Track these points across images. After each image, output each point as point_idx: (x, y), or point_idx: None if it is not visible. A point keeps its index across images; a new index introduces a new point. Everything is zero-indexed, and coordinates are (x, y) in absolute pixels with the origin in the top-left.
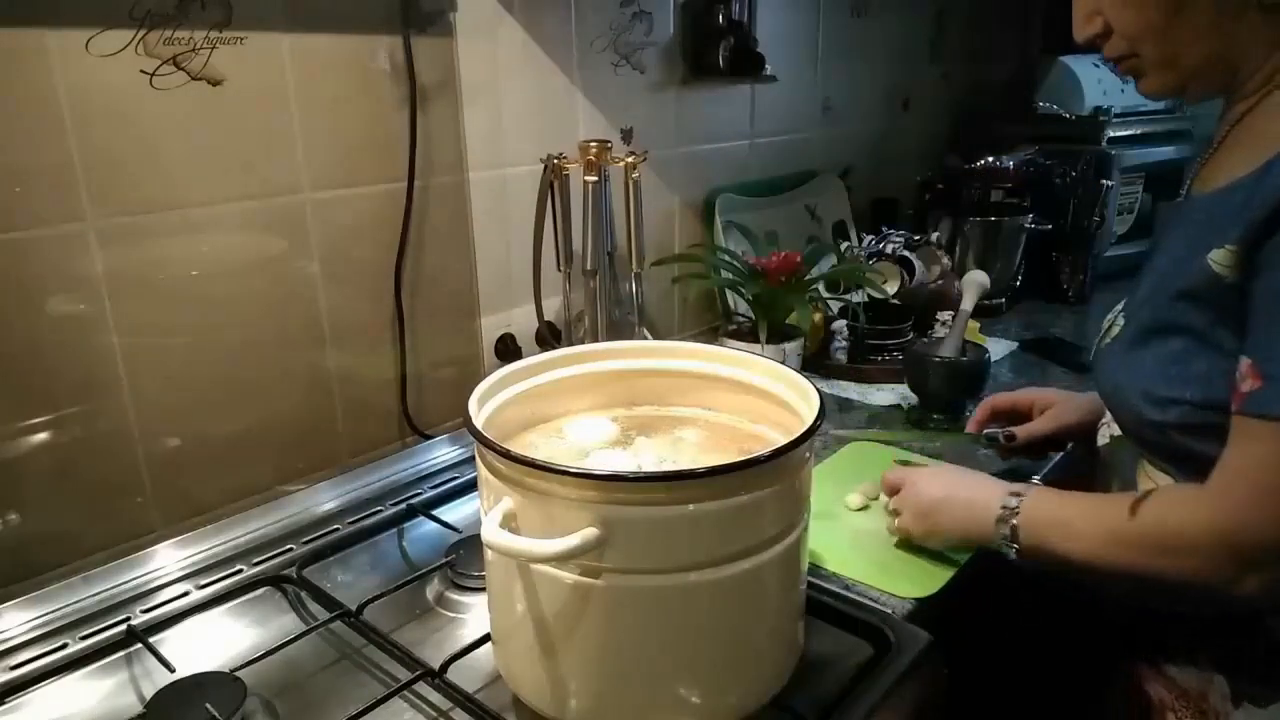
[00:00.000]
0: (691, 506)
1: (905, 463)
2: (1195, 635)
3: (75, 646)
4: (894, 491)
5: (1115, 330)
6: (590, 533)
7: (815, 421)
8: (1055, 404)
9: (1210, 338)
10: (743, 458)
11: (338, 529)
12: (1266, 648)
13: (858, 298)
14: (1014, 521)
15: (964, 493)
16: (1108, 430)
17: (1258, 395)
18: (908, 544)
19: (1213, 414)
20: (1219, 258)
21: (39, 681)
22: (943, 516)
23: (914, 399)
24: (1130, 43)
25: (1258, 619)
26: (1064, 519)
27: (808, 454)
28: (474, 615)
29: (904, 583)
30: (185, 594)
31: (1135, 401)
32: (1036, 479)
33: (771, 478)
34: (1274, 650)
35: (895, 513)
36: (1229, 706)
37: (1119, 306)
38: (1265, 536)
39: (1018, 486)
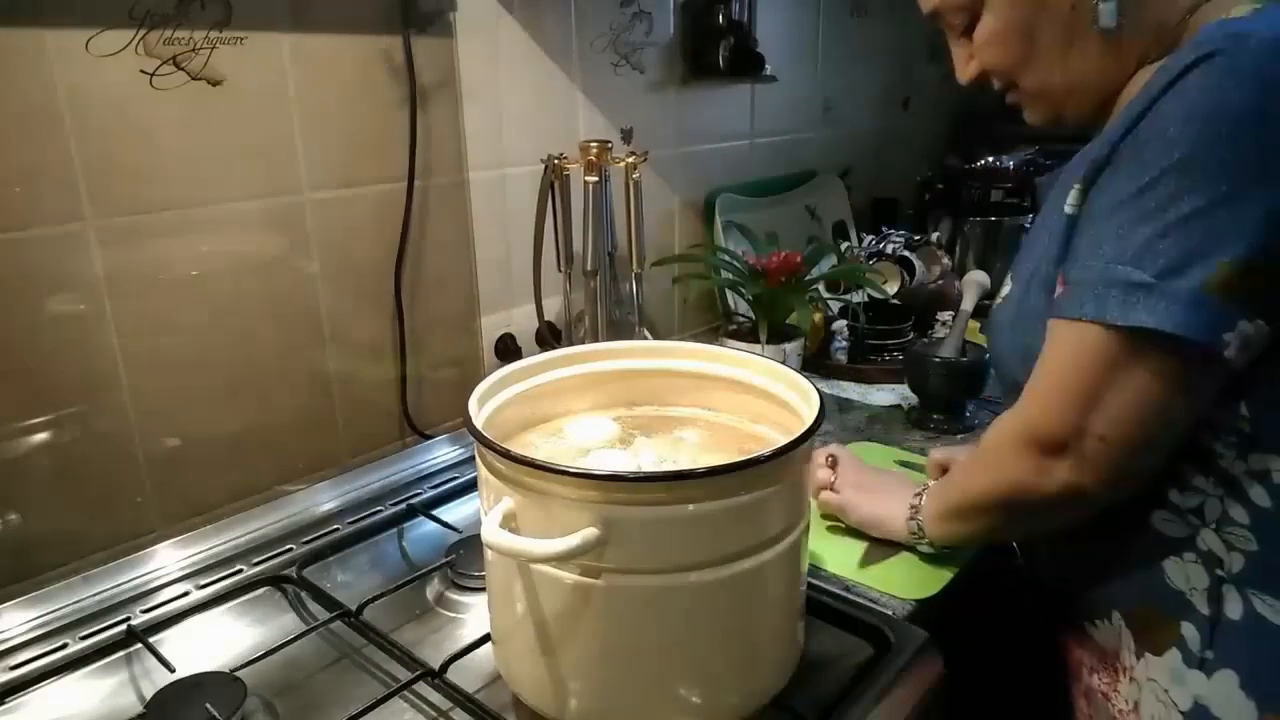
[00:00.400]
0: (691, 506)
1: (904, 463)
2: (1105, 589)
3: (75, 646)
4: (832, 462)
5: (1004, 291)
6: (590, 533)
7: (815, 422)
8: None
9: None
10: (742, 458)
11: (338, 529)
12: (1158, 592)
13: (858, 298)
14: (922, 496)
15: (892, 487)
16: None
17: (1059, 302)
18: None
19: None
20: (1070, 199)
21: (39, 681)
22: (874, 495)
23: (914, 399)
24: (1004, 78)
25: (1151, 566)
26: (950, 480)
27: (808, 454)
28: (474, 615)
29: (904, 583)
30: (185, 594)
31: (1017, 360)
32: None
33: (771, 478)
34: (1164, 594)
35: (830, 478)
36: (1133, 660)
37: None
38: (1052, 425)
39: (921, 488)
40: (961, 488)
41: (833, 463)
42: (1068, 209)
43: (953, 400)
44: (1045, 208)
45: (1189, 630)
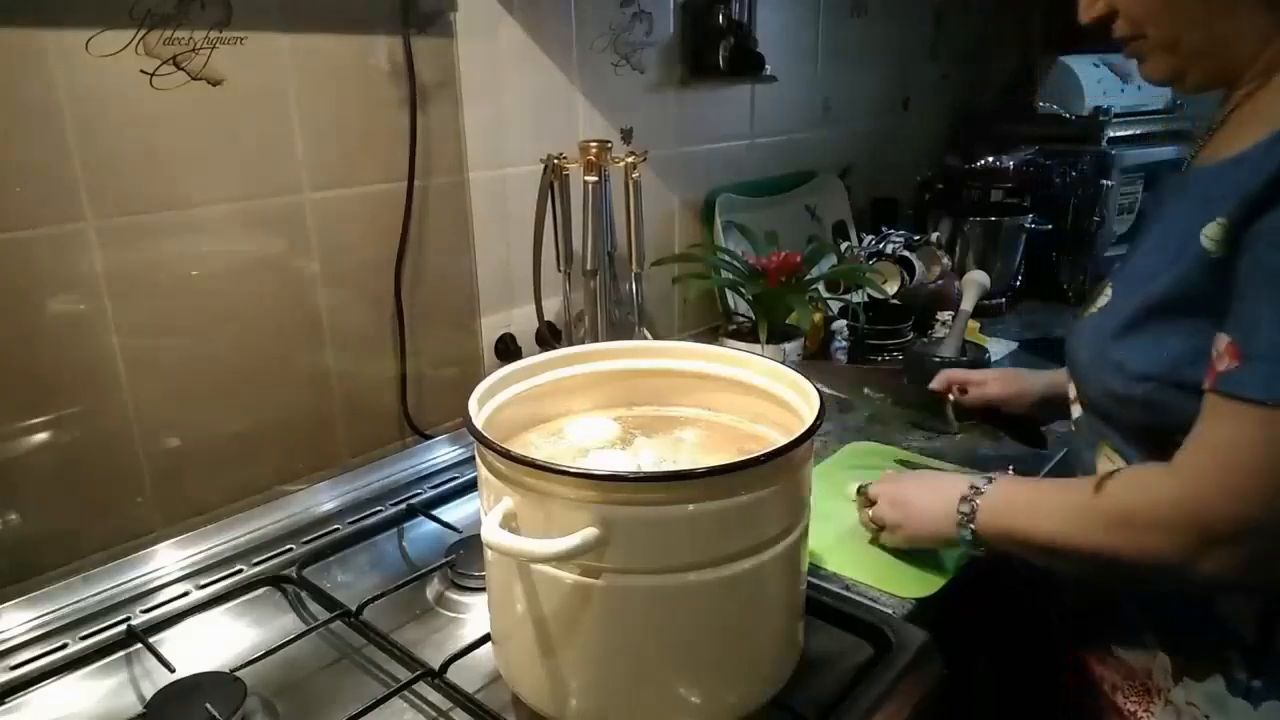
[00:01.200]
0: (691, 506)
1: (904, 463)
2: (1141, 614)
3: (75, 646)
4: (875, 499)
5: (1101, 301)
6: (590, 533)
7: (815, 422)
8: (1004, 374)
9: (1190, 314)
10: (742, 458)
11: (338, 529)
12: (1203, 620)
13: (858, 298)
14: (976, 501)
15: (935, 483)
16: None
17: (1233, 375)
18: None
19: (1181, 393)
20: (1210, 232)
21: (39, 681)
22: (914, 505)
23: None
24: (1133, 25)
25: (1210, 599)
26: (1024, 502)
27: (808, 454)
28: (474, 615)
29: (904, 583)
30: (185, 594)
31: (1106, 374)
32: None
33: (771, 478)
34: (1210, 623)
35: (871, 503)
36: (1170, 682)
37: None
38: (1227, 514)
39: (982, 478)
40: (1058, 528)
41: (867, 500)
42: (1206, 242)
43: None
44: (1162, 214)
45: (1234, 657)
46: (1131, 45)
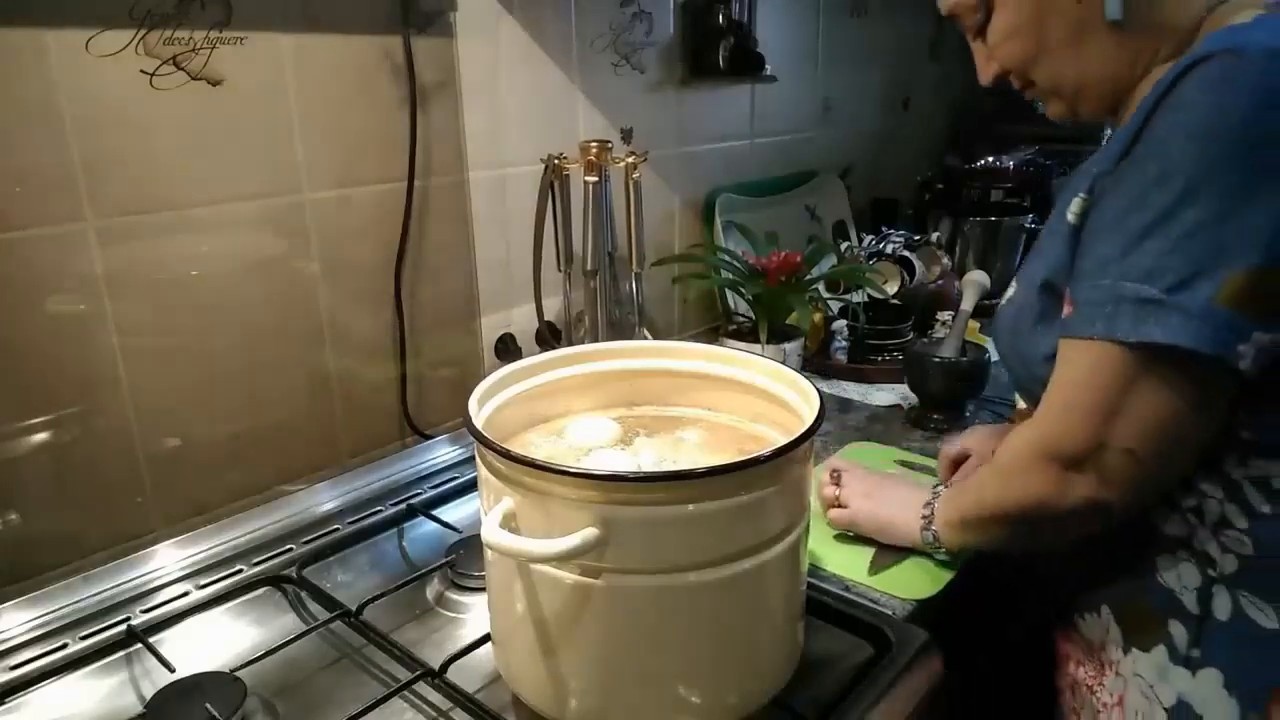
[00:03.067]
0: (691, 506)
1: (904, 463)
2: (1094, 585)
3: (75, 646)
4: (837, 477)
5: (1008, 293)
6: (590, 533)
7: (815, 422)
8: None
9: (1065, 287)
10: (742, 458)
11: (338, 529)
12: (1149, 591)
13: (858, 298)
14: (935, 504)
15: (906, 485)
16: None
17: (1068, 320)
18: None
19: None
20: (1074, 207)
21: (39, 681)
22: (884, 496)
23: (914, 399)
24: (1021, 77)
25: (1144, 563)
26: (967, 488)
27: (808, 454)
28: (474, 615)
29: (904, 583)
30: (185, 594)
31: (1018, 362)
32: None
33: (771, 478)
34: (1155, 593)
35: (835, 494)
36: (1119, 654)
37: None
38: (1072, 442)
39: (930, 494)
40: (977, 499)
41: (837, 477)
42: (1070, 217)
43: (953, 400)
44: (1055, 211)
45: (1176, 628)
46: (1028, 92)
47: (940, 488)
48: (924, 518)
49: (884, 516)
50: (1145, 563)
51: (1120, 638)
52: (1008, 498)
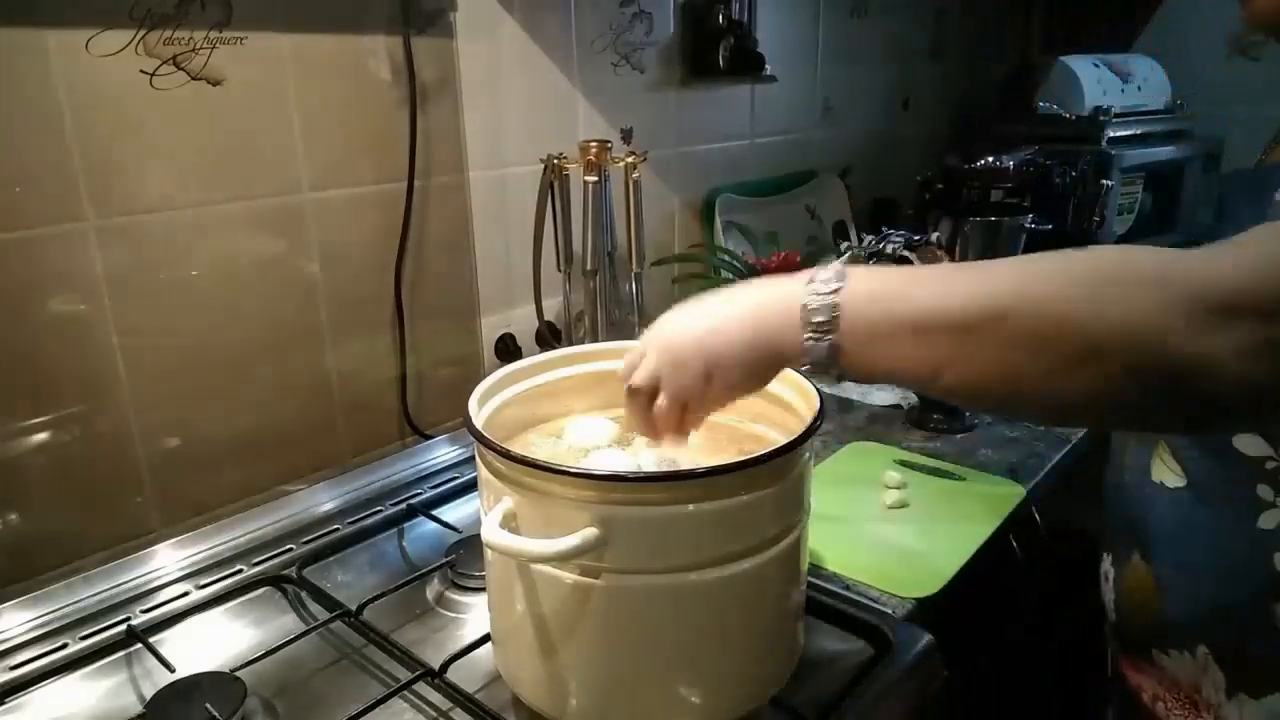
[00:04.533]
0: (691, 507)
1: (904, 464)
2: (1191, 619)
3: (75, 646)
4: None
5: None
6: (590, 533)
7: (815, 422)
8: None
9: None
10: (742, 458)
11: (338, 529)
12: (1267, 632)
13: None
14: (834, 299)
15: (740, 298)
16: None
17: None
18: (903, 537)
19: None
20: None
21: (39, 681)
22: (693, 341)
23: (914, 398)
24: None
25: (1267, 609)
26: (925, 283)
27: (807, 454)
28: (474, 615)
29: (904, 583)
30: (185, 594)
31: None
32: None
33: (771, 478)
34: (1275, 635)
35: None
36: (1222, 697)
37: None
38: (1253, 288)
39: (822, 271)
40: (999, 291)
41: (635, 362)
42: None
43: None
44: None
45: None
46: None
47: (830, 276)
48: (815, 324)
49: (725, 348)
50: (1261, 603)
51: (1223, 681)
52: (1090, 308)
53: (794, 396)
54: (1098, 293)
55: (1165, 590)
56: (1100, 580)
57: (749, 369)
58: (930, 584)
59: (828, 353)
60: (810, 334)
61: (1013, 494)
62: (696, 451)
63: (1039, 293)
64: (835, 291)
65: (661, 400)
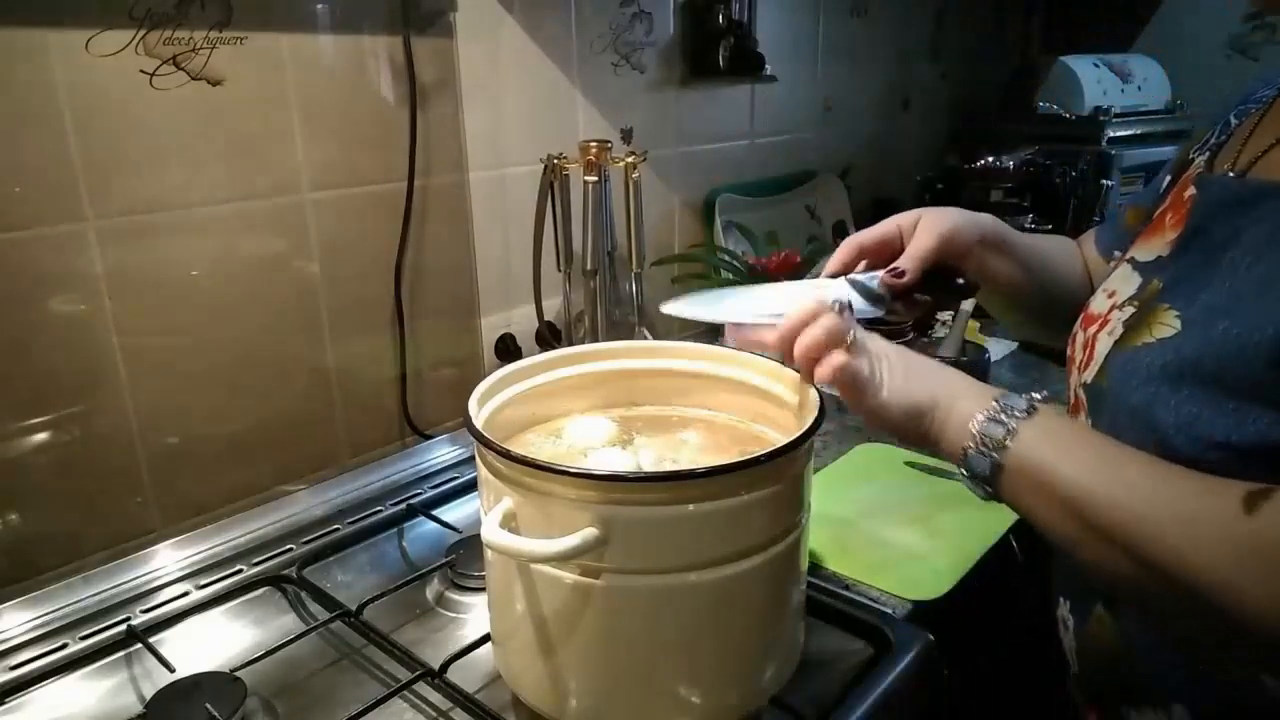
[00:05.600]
0: (691, 507)
1: (911, 465)
2: (1167, 679)
3: (75, 646)
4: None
5: (1164, 331)
6: (590, 533)
7: (815, 422)
8: (923, 216)
9: None
10: (742, 458)
11: (338, 529)
12: (1250, 692)
13: None
14: (1013, 424)
15: (943, 371)
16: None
17: None
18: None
19: (1261, 467)
20: None
21: (39, 681)
22: (913, 372)
23: None
24: None
25: (1244, 667)
26: (1104, 463)
27: (808, 454)
28: (474, 615)
29: (907, 584)
30: (185, 594)
31: (1164, 427)
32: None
33: (771, 478)
34: (1258, 694)
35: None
36: None
37: (1121, 280)
38: None
39: (1019, 398)
40: (1163, 534)
41: (842, 310)
42: None
43: None
44: (1255, 249)
45: None
46: None
47: (1022, 406)
48: (985, 437)
49: (920, 405)
50: (1245, 667)
51: None
52: (1265, 596)
53: (794, 397)
54: (1268, 586)
55: (1134, 647)
56: (1058, 627)
57: (900, 432)
58: (935, 587)
59: (989, 469)
60: (976, 447)
61: None
62: (697, 451)
63: (1199, 562)
64: (1022, 418)
65: (823, 365)
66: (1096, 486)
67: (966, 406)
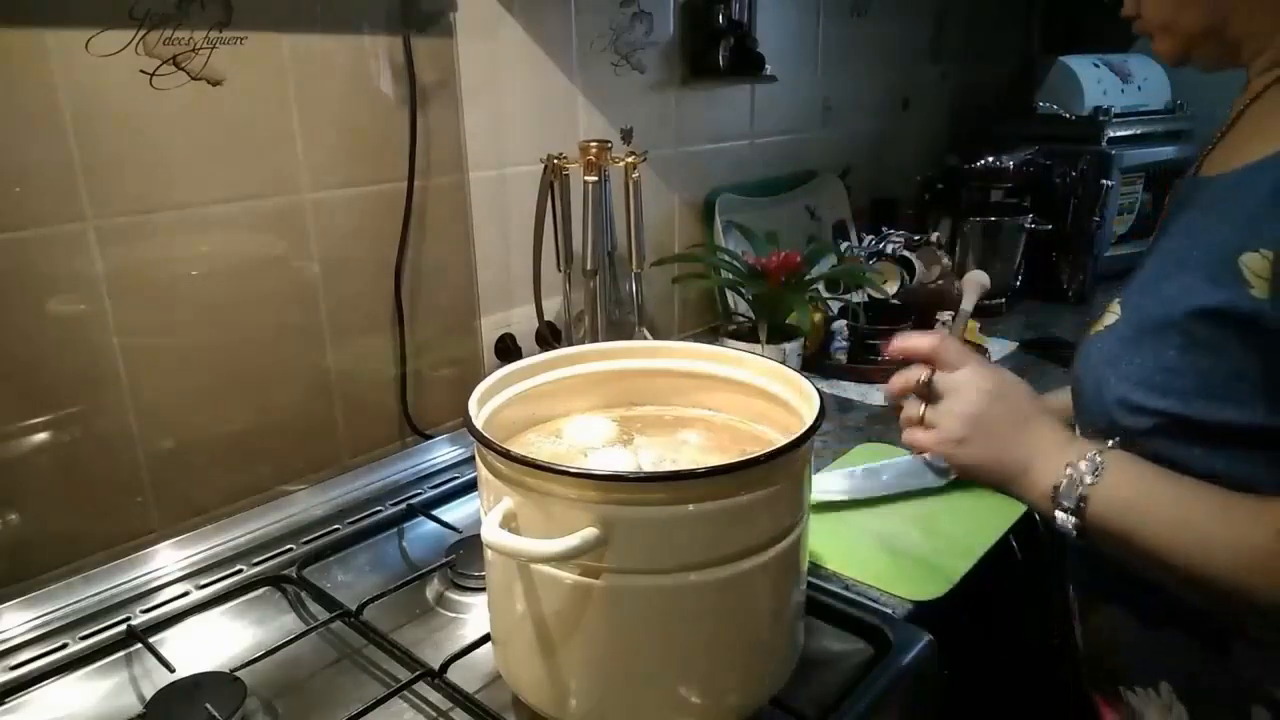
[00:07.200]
0: (691, 507)
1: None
2: (1156, 660)
3: (75, 646)
4: (925, 386)
5: (1109, 319)
6: (590, 533)
7: (815, 422)
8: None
9: (1214, 348)
10: (742, 458)
11: (338, 529)
12: (1225, 672)
13: (857, 298)
14: (1086, 491)
15: (1024, 423)
16: None
17: None
18: (906, 538)
19: (1191, 437)
20: (1252, 264)
21: (39, 681)
22: (994, 438)
23: None
24: (1135, 4)
25: (1227, 649)
26: (1161, 509)
27: (808, 454)
28: (474, 615)
29: (909, 585)
30: (185, 594)
31: (1109, 404)
32: None
33: (771, 478)
34: (1232, 674)
35: (927, 393)
36: None
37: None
38: None
39: (1090, 452)
40: (1205, 559)
41: (926, 386)
42: (1248, 275)
43: None
44: (1178, 226)
45: (1260, 713)
46: (1135, 25)
47: (1093, 466)
48: (1062, 482)
49: (991, 466)
50: (1222, 644)
51: (1186, 715)
52: (1256, 586)
53: (794, 397)
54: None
55: (1128, 630)
56: (1071, 614)
57: (985, 480)
58: (935, 587)
59: (1074, 530)
60: (1058, 516)
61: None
62: (697, 451)
63: (1233, 574)
64: (1092, 483)
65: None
66: (1159, 530)
67: (1043, 478)
